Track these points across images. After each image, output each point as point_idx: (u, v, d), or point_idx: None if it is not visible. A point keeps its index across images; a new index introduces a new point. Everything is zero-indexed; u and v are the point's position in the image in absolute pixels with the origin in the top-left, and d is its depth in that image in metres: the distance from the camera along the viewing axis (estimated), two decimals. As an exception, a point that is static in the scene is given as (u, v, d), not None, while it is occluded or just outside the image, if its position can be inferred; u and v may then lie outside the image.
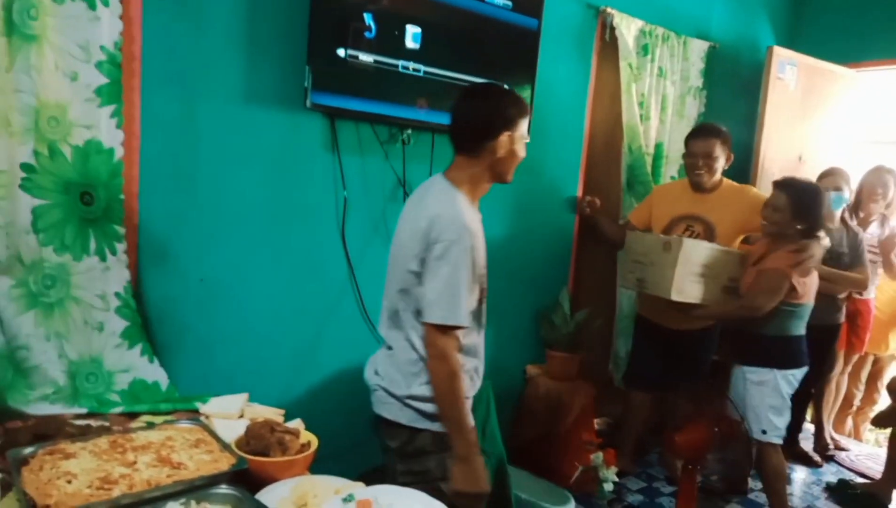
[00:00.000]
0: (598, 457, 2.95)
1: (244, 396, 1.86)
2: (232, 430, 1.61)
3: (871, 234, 3.47)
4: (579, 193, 3.28)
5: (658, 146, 3.43)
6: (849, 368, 3.76)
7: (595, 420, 3.19)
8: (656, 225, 2.98)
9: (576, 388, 3.06)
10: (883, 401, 3.72)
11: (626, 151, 3.27)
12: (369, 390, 1.80)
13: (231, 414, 1.79)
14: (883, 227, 3.51)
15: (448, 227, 1.59)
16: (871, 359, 3.83)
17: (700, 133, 2.91)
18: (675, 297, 2.65)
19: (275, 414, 1.82)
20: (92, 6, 1.77)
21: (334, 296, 2.51)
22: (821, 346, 3.32)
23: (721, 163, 2.87)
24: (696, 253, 2.66)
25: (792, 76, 3.67)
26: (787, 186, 2.65)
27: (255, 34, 2.17)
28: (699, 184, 2.89)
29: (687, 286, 2.67)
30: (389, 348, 1.76)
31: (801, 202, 2.60)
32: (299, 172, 2.34)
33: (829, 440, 3.69)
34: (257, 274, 2.30)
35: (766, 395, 2.66)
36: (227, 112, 2.15)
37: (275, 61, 2.22)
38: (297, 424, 1.71)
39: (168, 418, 1.77)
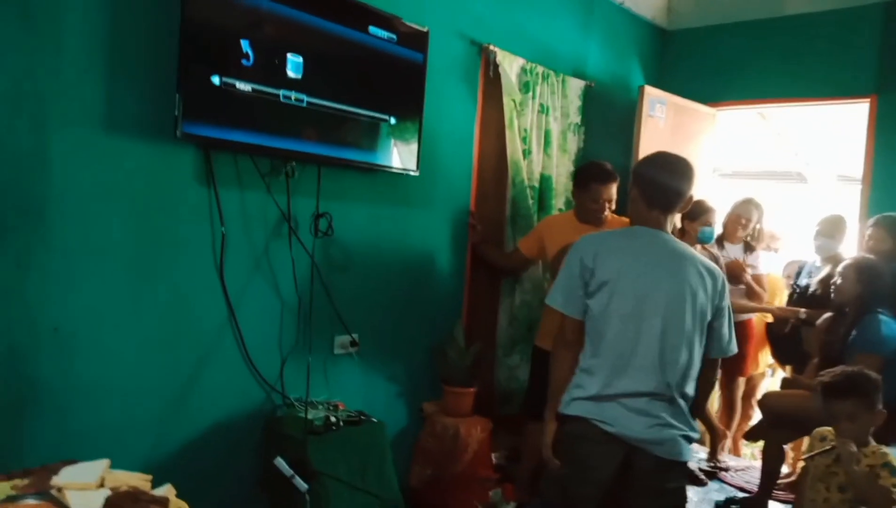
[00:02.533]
0: (496, 494, 2.90)
1: (104, 462, 1.64)
2: (90, 503, 1.44)
3: (733, 256, 3.76)
4: (471, 224, 3.29)
5: (547, 179, 3.52)
6: (740, 390, 4.00)
7: (492, 455, 3.14)
8: (550, 253, 3.02)
9: (472, 423, 3.01)
10: (758, 417, 3.96)
11: (510, 185, 3.33)
12: (657, 443, 1.85)
13: (88, 484, 1.56)
14: (746, 253, 3.79)
15: (723, 277, 1.96)
16: (744, 379, 4.08)
17: (606, 178, 2.90)
18: None
19: (140, 481, 1.61)
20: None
21: (211, 340, 2.31)
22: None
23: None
24: None
25: (661, 114, 3.92)
26: None
27: (118, 56, 2.00)
28: (599, 222, 2.92)
29: None
30: (679, 398, 1.87)
31: None
32: (169, 208, 2.16)
33: (719, 459, 3.85)
34: (120, 320, 2.08)
35: None
36: (85, 142, 1.95)
37: (141, 87, 2.05)
38: (165, 491, 1.53)
39: (10, 492, 1.52)
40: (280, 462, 2.15)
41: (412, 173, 2.80)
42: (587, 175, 2.96)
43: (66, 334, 1.97)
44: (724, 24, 4.29)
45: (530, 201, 3.40)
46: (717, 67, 4.31)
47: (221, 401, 2.35)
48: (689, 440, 1.90)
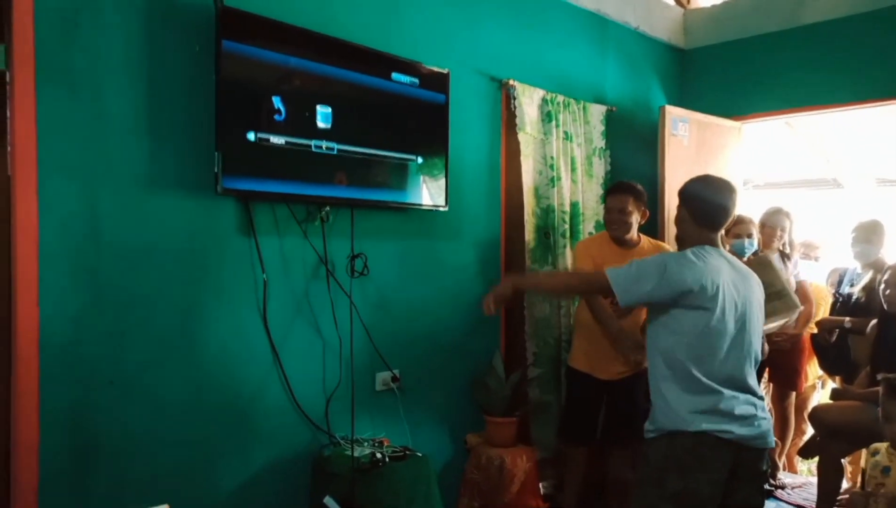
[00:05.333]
0: (547, 523, 2.88)
1: None
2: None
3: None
4: (502, 254, 3.33)
5: (574, 205, 3.56)
6: (792, 405, 3.91)
7: (540, 484, 3.13)
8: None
9: (517, 453, 3.01)
10: (811, 432, 3.85)
11: (533, 212, 3.36)
12: (758, 437, 2.07)
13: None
14: (783, 262, 3.74)
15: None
16: (794, 393, 3.99)
17: (615, 190, 3.05)
18: None
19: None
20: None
21: (258, 383, 2.39)
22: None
23: (635, 218, 2.98)
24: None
25: (685, 132, 3.93)
26: None
27: (159, 120, 2.14)
28: (617, 237, 2.99)
29: None
30: (759, 393, 2.13)
31: None
32: (213, 259, 2.27)
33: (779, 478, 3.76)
34: (172, 369, 2.17)
35: None
36: (132, 202, 2.08)
37: (181, 147, 2.18)
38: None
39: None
40: (329, 501, 2.20)
41: (441, 209, 2.88)
42: (607, 189, 3.16)
43: (121, 385, 2.07)
44: (741, 39, 4.30)
45: (566, 226, 3.44)
46: (737, 81, 4.31)
47: (270, 443, 2.42)
48: None
